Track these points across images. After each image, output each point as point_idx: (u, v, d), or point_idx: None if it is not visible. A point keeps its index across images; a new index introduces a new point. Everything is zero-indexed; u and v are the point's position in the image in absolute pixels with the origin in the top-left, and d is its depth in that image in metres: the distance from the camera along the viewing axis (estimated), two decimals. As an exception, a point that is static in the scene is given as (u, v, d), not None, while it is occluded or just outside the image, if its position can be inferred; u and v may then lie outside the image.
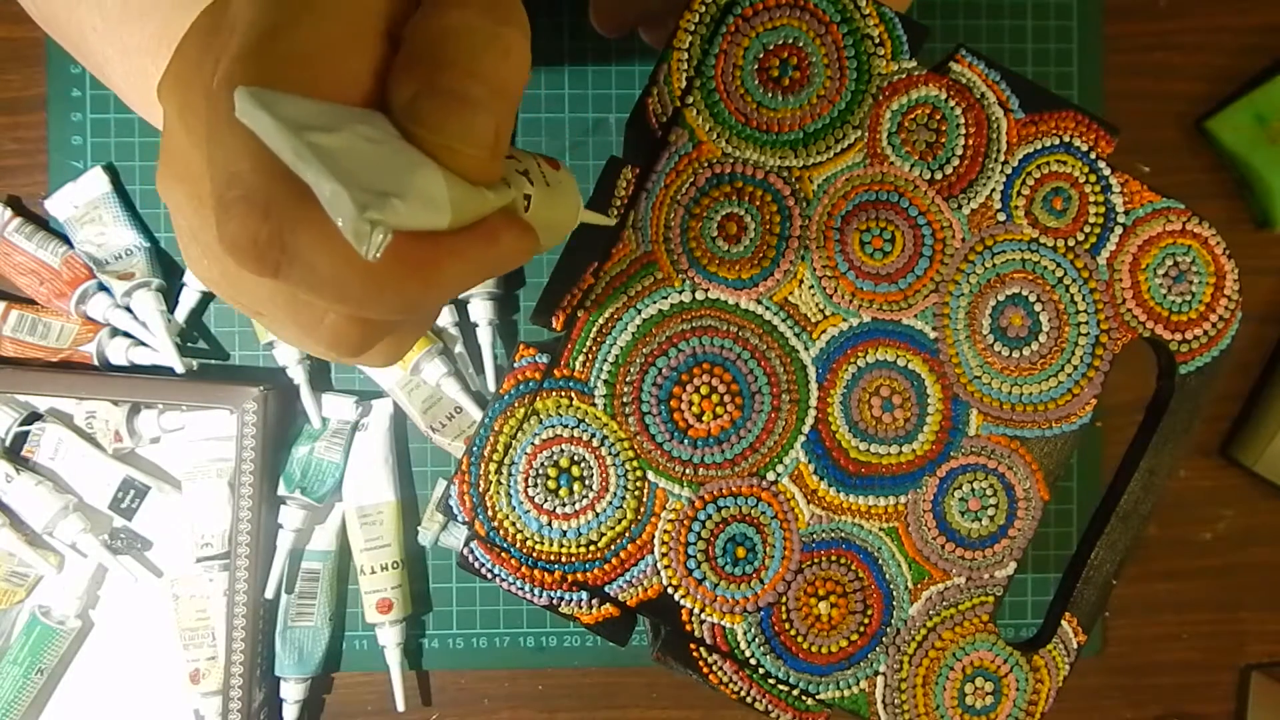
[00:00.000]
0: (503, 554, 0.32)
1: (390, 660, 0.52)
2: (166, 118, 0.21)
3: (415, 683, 0.54)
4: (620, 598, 0.33)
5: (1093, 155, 0.33)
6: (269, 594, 0.51)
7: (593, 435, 0.32)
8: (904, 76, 0.33)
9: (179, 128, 0.21)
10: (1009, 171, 0.33)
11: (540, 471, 0.32)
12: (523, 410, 0.32)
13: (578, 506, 0.32)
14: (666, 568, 0.33)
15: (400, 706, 0.52)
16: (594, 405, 0.32)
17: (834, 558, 0.33)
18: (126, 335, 0.51)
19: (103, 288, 0.51)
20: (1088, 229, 0.34)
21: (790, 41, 0.32)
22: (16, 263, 0.50)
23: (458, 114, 0.18)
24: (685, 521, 0.33)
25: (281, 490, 0.51)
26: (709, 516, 0.33)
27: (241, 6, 0.19)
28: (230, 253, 0.17)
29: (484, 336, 0.52)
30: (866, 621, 0.33)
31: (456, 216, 0.19)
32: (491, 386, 0.53)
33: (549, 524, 0.32)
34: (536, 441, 0.32)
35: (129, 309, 0.51)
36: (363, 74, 0.19)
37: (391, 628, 0.52)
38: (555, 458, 0.32)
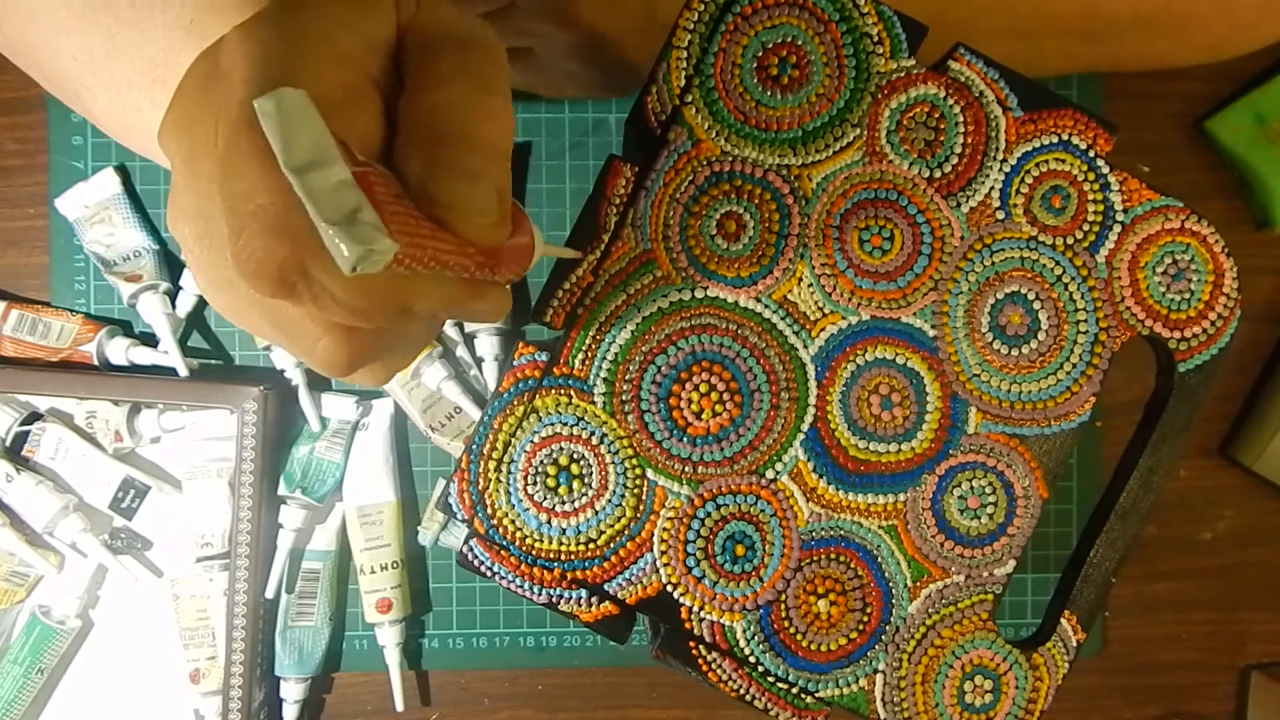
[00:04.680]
0: (502, 552, 0.32)
1: (389, 660, 0.52)
2: (173, 163, 0.23)
3: (415, 683, 0.54)
4: (619, 596, 0.33)
5: (1091, 153, 0.34)
6: (269, 594, 0.51)
7: (592, 433, 0.32)
8: (903, 75, 0.33)
9: (186, 172, 0.22)
10: (1008, 170, 0.33)
11: (540, 469, 0.32)
12: (522, 408, 0.32)
13: (577, 504, 0.32)
14: (666, 565, 0.33)
15: (399, 706, 0.52)
16: (593, 403, 0.32)
17: (833, 556, 0.33)
18: (146, 344, 0.52)
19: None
20: (1086, 227, 0.34)
21: (789, 40, 0.32)
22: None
23: (465, 189, 0.20)
24: (684, 519, 0.33)
25: (282, 490, 0.51)
26: (708, 514, 0.33)
27: (234, 59, 0.20)
28: (250, 278, 0.19)
29: (489, 372, 0.52)
30: (866, 619, 0.33)
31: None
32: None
33: (548, 522, 0.32)
34: (536, 439, 0.32)
35: (134, 308, 0.51)
36: (366, 119, 0.21)
37: (391, 628, 0.52)
38: (555, 455, 0.32)
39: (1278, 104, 0.52)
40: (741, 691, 0.33)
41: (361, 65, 0.21)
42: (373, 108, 0.21)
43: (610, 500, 0.32)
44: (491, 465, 0.32)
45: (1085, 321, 0.34)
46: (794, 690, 0.33)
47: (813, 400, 0.33)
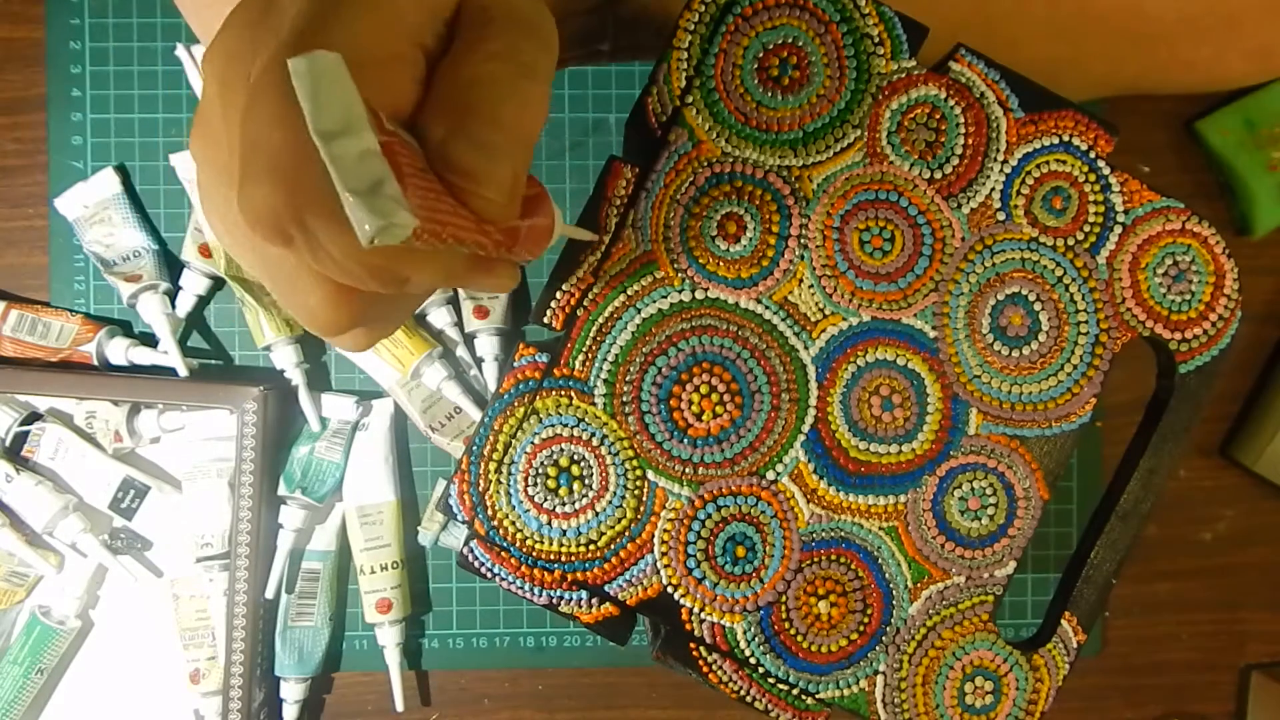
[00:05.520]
0: (502, 553, 0.32)
1: (389, 660, 0.52)
2: (206, 85, 0.23)
3: (415, 683, 0.54)
4: (620, 597, 0.33)
5: (1092, 154, 0.33)
6: (269, 594, 0.51)
7: (592, 434, 0.32)
8: (903, 76, 0.33)
9: (216, 97, 0.22)
10: (1008, 171, 0.33)
11: (540, 471, 0.32)
12: (522, 409, 0.32)
13: (577, 506, 0.32)
14: (666, 567, 0.33)
15: (399, 707, 0.52)
16: (594, 404, 0.32)
17: (834, 557, 0.33)
18: (146, 345, 0.52)
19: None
20: (1087, 228, 0.34)
21: (790, 41, 0.32)
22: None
23: (482, 162, 0.20)
24: (685, 521, 0.33)
25: (282, 490, 0.51)
26: (709, 515, 0.33)
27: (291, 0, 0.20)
28: (250, 221, 0.18)
29: (489, 372, 0.52)
30: (866, 621, 0.33)
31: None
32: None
33: (549, 523, 0.32)
34: (536, 441, 0.32)
35: (133, 308, 0.51)
36: (405, 83, 0.21)
37: (391, 628, 0.52)
38: (555, 457, 0.32)
39: (1270, 111, 0.52)
40: (742, 693, 0.33)
41: (416, 31, 0.21)
42: (414, 71, 0.21)
43: (611, 502, 0.32)
44: (492, 466, 0.32)
45: (1086, 323, 0.34)
46: (794, 691, 0.33)
47: (813, 401, 0.33)
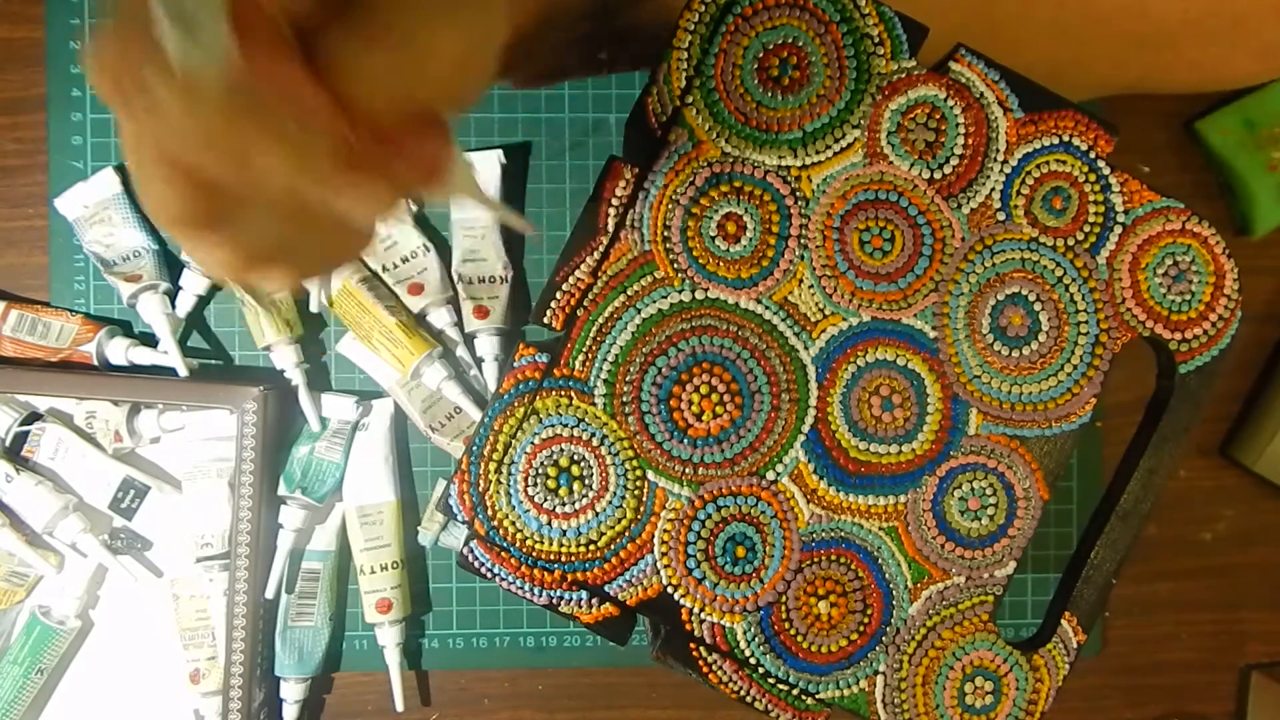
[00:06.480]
0: (502, 553, 0.32)
1: (389, 660, 0.52)
2: None
3: (415, 683, 0.54)
4: (620, 597, 0.33)
5: (1092, 154, 0.33)
6: (269, 594, 0.51)
7: (592, 434, 0.32)
8: (903, 76, 0.33)
9: None
10: (1008, 171, 0.33)
11: (540, 471, 0.32)
12: (522, 409, 0.32)
13: (577, 506, 0.32)
14: (666, 567, 0.33)
15: (399, 706, 0.52)
16: (594, 404, 0.32)
17: (834, 557, 0.33)
18: (147, 345, 0.52)
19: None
20: (1087, 228, 0.34)
21: (790, 41, 0.32)
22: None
23: (368, 55, 0.18)
24: (685, 521, 0.33)
25: (282, 490, 0.51)
26: (709, 516, 0.33)
27: None
28: (90, 75, 0.17)
29: (489, 372, 0.52)
30: (866, 621, 0.33)
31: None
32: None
33: (549, 523, 0.32)
34: (536, 441, 0.32)
35: (133, 308, 0.51)
36: None
37: (391, 628, 0.52)
38: (555, 457, 0.32)
39: (1270, 111, 0.52)
40: (742, 693, 0.33)
41: None
42: None
43: (611, 502, 0.32)
44: (492, 467, 0.32)
45: (1086, 323, 0.34)
46: (794, 691, 0.33)
47: (813, 401, 0.33)
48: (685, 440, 0.33)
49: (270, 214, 0.21)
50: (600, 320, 0.32)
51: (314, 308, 0.52)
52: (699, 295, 0.33)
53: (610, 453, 0.32)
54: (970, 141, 0.33)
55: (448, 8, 0.19)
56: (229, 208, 0.20)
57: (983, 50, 0.33)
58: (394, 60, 0.18)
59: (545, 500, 0.32)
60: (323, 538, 0.52)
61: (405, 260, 0.52)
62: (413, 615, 0.53)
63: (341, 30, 0.18)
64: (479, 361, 0.52)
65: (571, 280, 0.32)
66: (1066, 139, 0.33)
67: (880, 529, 0.33)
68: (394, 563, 0.52)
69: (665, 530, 0.33)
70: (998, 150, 0.33)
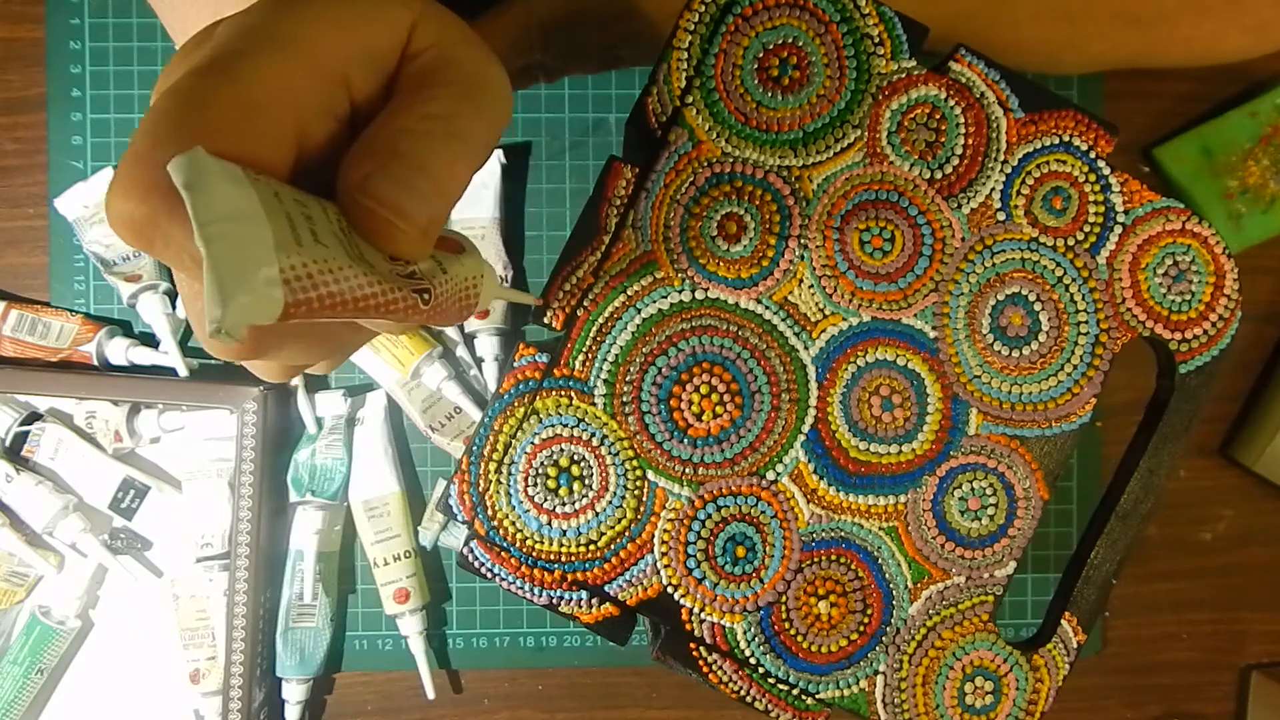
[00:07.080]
0: (502, 553, 0.32)
1: (415, 649, 0.52)
2: None
3: (415, 682, 0.54)
4: (620, 597, 0.33)
5: (1092, 155, 0.33)
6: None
7: (592, 434, 0.32)
8: (904, 76, 0.33)
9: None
10: (1009, 171, 0.33)
11: (540, 471, 0.32)
12: (522, 409, 0.32)
13: (577, 506, 0.32)
14: (666, 567, 0.33)
15: (430, 695, 0.52)
16: (594, 404, 0.32)
17: (834, 557, 0.33)
18: (148, 345, 0.52)
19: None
20: (1087, 228, 0.34)
21: (790, 41, 0.32)
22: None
23: (403, 197, 0.20)
24: (685, 521, 0.33)
25: (293, 497, 0.51)
26: (709, 516, 0.33)
27: (222, 27, 0.21)
28: (111, 219, 0.19)
29: (489, 372, 0.52)
30: (866, 621, 0.33)
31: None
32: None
33: (549, 523, 0.32)
34: (536, 441, 0.32)
35: (133, 308, 0.51)
36: (318, 120, 0.21)
37: (412, 616, 0.51)
38: (555, 457, 0.32)
39: (1226, 139, 0.52)
40: (742, 693, 0.33)
41: (337, 69, 0.21)
42: (330, 106, 0.21)
43: (611, 502, 0.32)
44: (492, 467, 0.32)
45: (1086, 323, 0.34)
46: (794, 691, 0.33)
47: (813, 401, 0.33)
48: (685, 440, 0.33)
49: (332, 344, 0.24)
50: (600, 320, 0.32)
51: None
52: (699, 295, 0.33)
53: (610, 453, 0.32)
54: (970, 141, 0.33)
55: (463, 134, 0.22)
56: (281, 340, 0.22)
57: (982, 29, 0.33)
58: (431, 202, 0.21)
59: (545, 500, 0.32)
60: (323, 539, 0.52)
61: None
62: (433, 602, 0.53)
63: (382, 177, 0.20)
64: (479, 361, 0.52)
65: (572, 280, 0.32)
66: (1067, 139, 0.33)
67: (880, 529, 0.33)
68: (406, 552, 0.52)
69: (665, 530, 0.33)
70: (998, 150, 0.33)
